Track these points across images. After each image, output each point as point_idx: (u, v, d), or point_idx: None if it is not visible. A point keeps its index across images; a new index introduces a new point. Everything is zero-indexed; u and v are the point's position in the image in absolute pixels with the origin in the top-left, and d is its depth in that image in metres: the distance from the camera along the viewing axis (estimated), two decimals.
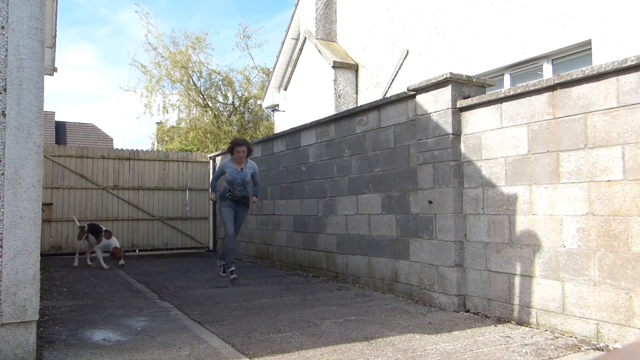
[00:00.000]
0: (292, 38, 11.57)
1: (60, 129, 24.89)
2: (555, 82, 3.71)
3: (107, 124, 49.94)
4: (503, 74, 6.71)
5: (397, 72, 8.35)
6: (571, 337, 3.56)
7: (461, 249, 4.48)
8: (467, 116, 4.48)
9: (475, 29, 6.95)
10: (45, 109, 3.26)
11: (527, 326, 3.89)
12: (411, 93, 4.98)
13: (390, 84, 8.46)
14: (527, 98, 3.96)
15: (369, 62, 9.20)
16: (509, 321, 4.04)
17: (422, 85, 4.78)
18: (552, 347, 3.34)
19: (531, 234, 3.90)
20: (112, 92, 58.60)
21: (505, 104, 4.15)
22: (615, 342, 3.32)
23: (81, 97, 54.72)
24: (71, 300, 5.15)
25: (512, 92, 4.06)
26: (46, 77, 7.42)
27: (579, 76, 3.54)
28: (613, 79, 3.38)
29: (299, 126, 7.27)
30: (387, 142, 5.46)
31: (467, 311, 4.40)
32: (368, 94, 9.10)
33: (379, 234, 5.56)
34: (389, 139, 5.43)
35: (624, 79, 3.32)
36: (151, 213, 10.68)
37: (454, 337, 3.62)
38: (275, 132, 11.12)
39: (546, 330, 3.74)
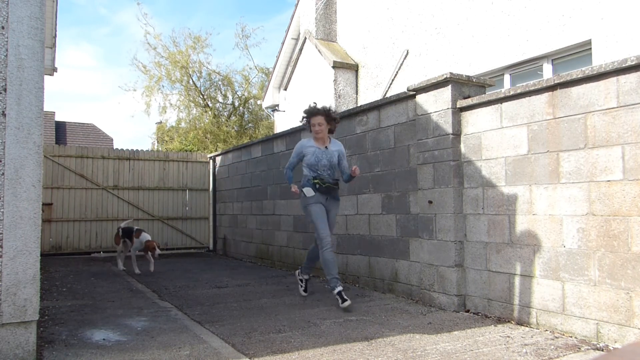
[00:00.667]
0: (292, 38, 11.57)
1: (60, 129, 24.89)
2: (555, 82, 3.71)
3: (107, 124, 49.97)
4: (503, 74, 6.71)
5: (397, 72, 8.35)
6: (571, 337, 3.56)
7: (461, 249, 4.48)
8: (467, 116, 4.48)
9: (475, 29, 6.95)
10: (45, 109, 3.26)
11: (527, 326, 3.89)
12: (411, 93, 4.98)
13: (390, 84, 8.46)
14: (527, 98, 3.96)
15: (369, 62, 9.20)
16: (509, 321, 4.04)
17: (422, 85, 4.78)
18: (552, 347, 3.34)
19: (531, 234, 3.90)
20: (112, 92, 58.65)
21: (505, 104, 4.15)
22: (615, 342, 3.32)
23: (81, 97, 54.76)
24: (71, 300, 5.15)
25: (512, 92, 4.06)
26: (46, 77, 7.42)
27: (579, 76, 3.54)
28: (613, 79, 3.38)
29: (299, 126, 7.26)
30: (387, 142, 5.46)
31: (467, 311, 4.40)
32: (368, 94, 9.10)
33: (379, 234, 5.56)
34: (389, 139, 5.43)
35: (624, 79, 3.32)
36: (151, 213, 10.68)
37: (454, 337, 3.62)
38: (275, 132, 11.12)
39: (546, 330, 3.74)
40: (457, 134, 4.52)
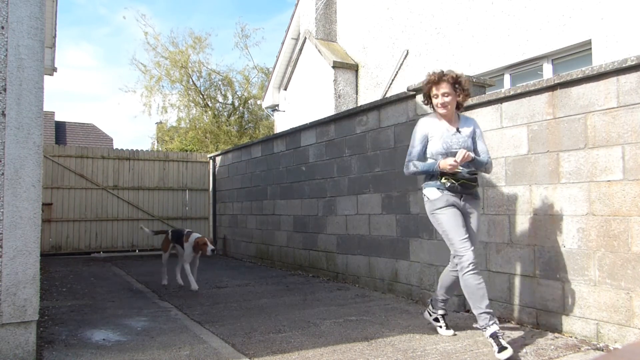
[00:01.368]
0: (292, 38, 11.57)
1: (60, 129, 24.90)
2: (555, 82, 3.71)
3: (107, 124, 49.95)
4: (503, 74, 6.71)
5: (397, 72, 8.35)
6: (571, 337, 3.56)
7: None
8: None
9: (475, 29, 6.95)
10: (45, 109, 3.26)
11: (527, 326, 3.89)
12: (411, 93, 4.98)
13: (390, 84, 8.46)
14: (527, 98, 3.96)
15: (369, 62, 9.20)
16: (509, 321, 4.04)
17: (422, 85, 4.77)
18: (552, 347, 3.34)
19: (531, 234, 3.90)
20: (112, 92, 58.65)
21: (505, 104, 4.15)
22: (615, 342, 3.32)
23: (81, 97, 54.74)
24: (71, 300, 5.15)
25: (512, 92, 4.06)
26: (46, 77, 7.42)
27: (579, 76, 3.54)
28: (613, 79, 3.38)
29: (299, 126, 7.27)
30: (387, 142, 5.46)
31: (467, 311, 4.40)
32: (368, 94, 9.10)
33: (379, 234, 5.56)
34: (389, 139, 5.43)
35: (624, 79, 3.32)
36: (151, 213, 10.68)
37: (454, 337, 3.62)
38: (275, 132, 11.12)
39: (546, 330, 3.74)
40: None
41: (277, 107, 12.46)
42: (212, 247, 5.45)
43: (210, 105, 19.32)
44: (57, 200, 9.84)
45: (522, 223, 3.98)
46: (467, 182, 3.45)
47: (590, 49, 5.58)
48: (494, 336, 3.16)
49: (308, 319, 4.19)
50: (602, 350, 3.28)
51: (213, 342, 3.51)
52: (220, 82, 19.47)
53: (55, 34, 7.16)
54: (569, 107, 3.65)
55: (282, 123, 11.46)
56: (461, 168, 3.42)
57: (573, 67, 5.52)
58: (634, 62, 3.22)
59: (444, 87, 3.47)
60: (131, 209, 10.52)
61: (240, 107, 19.78)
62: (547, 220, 3.79)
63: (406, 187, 5.15)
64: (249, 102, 19.80)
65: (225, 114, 19.73)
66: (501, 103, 4.18)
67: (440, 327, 3.75)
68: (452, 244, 3.41)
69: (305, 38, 10.45)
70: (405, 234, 5.16)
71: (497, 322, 3.24)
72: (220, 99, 19.81)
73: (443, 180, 3.45)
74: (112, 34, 51.58)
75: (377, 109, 5.63)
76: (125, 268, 7.67)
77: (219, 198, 10.46)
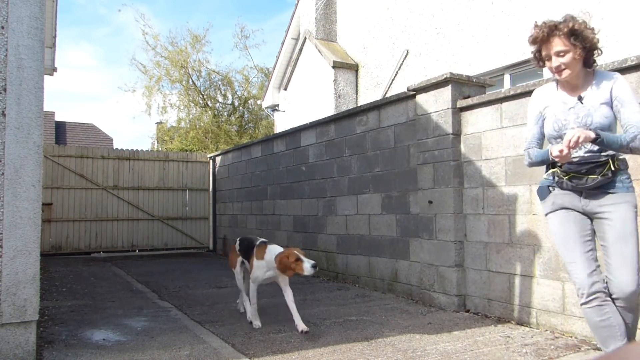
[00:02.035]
0: (292, 38, 11.57)
1: (60, 129, 24.89)
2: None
3: (107, 124, 49.92)
4: (503, 74, 6.71)
5: (397, 72, 8.35)
6: (571, 337, 3.56)
7: (461, 249, 4.48)
8: (467, 116, 4.48)
9: (475, 29, 6.95)
10: (45, 109, 3.26)
11: (527, 326, 3.89)
12: (411, 93, 4.98)
13: (390, 84, 8.46)
14: (527, 98, 3.95)
15: (369, 62, 9.20)
16: (509, 321, 4.04)
17: (422, 85, 4.78)
18: (552, 347, 3.34)
19: (531, 234, 3.90)
20: (112, 92, 58.66)
21: (505, 104, 4.15)
22: None
23: (81, 97, 54.74)
24: (71, 300, 5.15)
25: (512, 92, 4.06)
26: (46, 77, 7.42)
27: None
28: None
29: (299, 126, 7.27)
30: (387, 142, 5.45)
31: (467, 311, 4.40)
32: (368, 94, 9.10)
33: (379, 234, 5.56)
34: (389, 139, 5.43)
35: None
36: (151, 213, 10.69)
37: (454, 337, 3.62)
38: (275, 132, 11.12)
39: (546, 330, 3.74)
40: (457, 134, 4.52)
41: (277, 107, 12.46)
42: (312, 261, 3.62)
43: (210, 105, 19.32)
44: (57, 200, 9.84)
45: (522, 223, 3.98)
46: (577, 174, 2.47)
47: None
48: None
49: (308, 319, 4.19)
50: (602, 350, 3.28)
51: (213, 342, 3.51)
52: (220, 82, 19.48)
53: (55, 34, 7.16)
54: None
55: (282, 123, 11.46)
56: (582, 153, 2.48)
57: None
58: (634, 62, 3.22)
59: (558, 45, 2.69)
60: (131, 209, 10.52)
61: (240, 107, 19.78)
62: (547, 220, 3.78)
63: (406, 187, 5.15)
64: (249, 102, 19.80)
65: (225, 113, 19.73)
66: (501, 103, 4.18)
67: None
68: (566, 264, 2.60)
69: (305, 38, 10.45)
70: (405, 234, 5.16)
71: None
72: (220, 99, 19.82)
73: (545, 176, 2.63)
74: (112, 34, 51.58)
75: (377, 109, 5.63)
76: (125, 268, 7.67)
77: (219, 198, 10.46)
